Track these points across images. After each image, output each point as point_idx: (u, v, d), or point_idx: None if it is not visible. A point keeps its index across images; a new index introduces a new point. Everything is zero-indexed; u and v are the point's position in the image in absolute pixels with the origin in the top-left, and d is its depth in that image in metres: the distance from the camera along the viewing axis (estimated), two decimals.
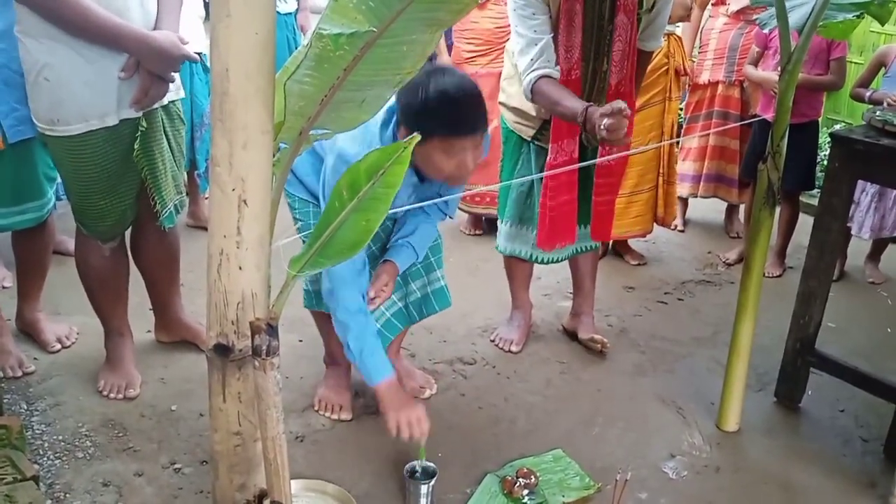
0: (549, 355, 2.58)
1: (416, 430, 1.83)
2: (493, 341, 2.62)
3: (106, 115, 1.88)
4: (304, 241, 1.13)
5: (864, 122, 2.05)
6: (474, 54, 3.33)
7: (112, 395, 2.18)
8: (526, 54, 2.08)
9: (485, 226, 3.63)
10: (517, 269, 2.60)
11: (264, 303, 0.96)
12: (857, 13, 2.01)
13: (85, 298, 2.22)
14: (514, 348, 2.57)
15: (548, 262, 2.51)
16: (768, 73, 3.06)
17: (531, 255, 2.47)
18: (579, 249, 2.52)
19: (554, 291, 3.03)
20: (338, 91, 0.94)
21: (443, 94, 1.64)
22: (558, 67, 2.09)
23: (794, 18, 1.92)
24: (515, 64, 2.17)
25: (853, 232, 3.18)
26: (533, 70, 2.07)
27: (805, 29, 1.81)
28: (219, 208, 0.92)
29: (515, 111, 2.34)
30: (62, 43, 1.79)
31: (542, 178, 2.26)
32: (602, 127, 1.83)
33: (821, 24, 2.01)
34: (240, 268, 0.93)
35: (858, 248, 3.36)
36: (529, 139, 2.34)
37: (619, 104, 1.81)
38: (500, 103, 2.43)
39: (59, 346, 2.39)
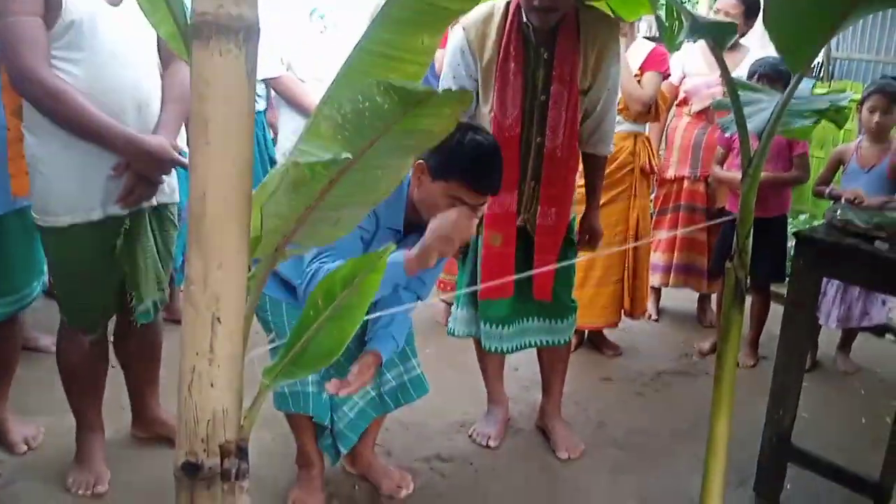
0: (527, 450, 2.55)
1: (467, 230, 1.69)
2: (470, 436, 2.59)
3: (91, 209, 1.94)
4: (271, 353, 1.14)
5: (825, 222, 2.12)
6: None
7: (80, 492, 2.14)
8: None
9: None
10: (488, 361, 2.60)
11: (235, 420, 0.96)
12: (815, 119, 2.11)
13: (53, 396, 2.18)
14: (491, 443, 2.54)
15: (493, 351, 2.45)
16: (733, 173, 3.18)
17: (482, 341, 2.45)
18: (539, 342, 2.50)
19: (531, 384, 3.01)
20: (313, 211, 0.97)
21: (480, 145, 1.75)
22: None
23: (754, 124, 2.01)
24: None
25: (821, 322, 3.23)
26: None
27: (763, 136, 1.89)
28: (192, 326, 0.92)
29: None
30: (56, 138, 1.88)
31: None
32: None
33: (779, 129, 2.12)
34: (212, 385, 0.93)
35: (830, 337, 3.40)
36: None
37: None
38: None
39: (25, 447, 2.33)
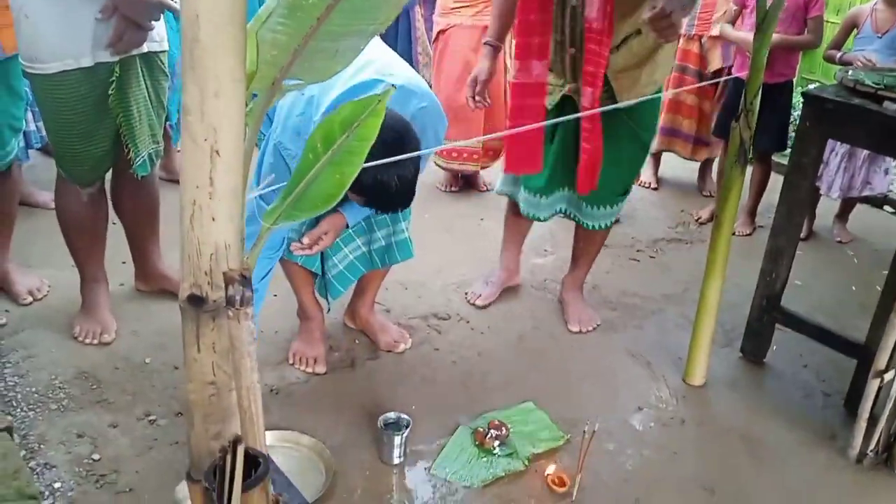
0: (522, 311, 2.61)
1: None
2: (466, 295, 2.64)
3: (81, 55, 1.88)
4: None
5: (836, 82, 2.07)
6: (460, 5, 3.27)
7: (87, 341, 2.20)
8: None
9: (461, 182, 3.62)
10: (517, 225, 2.60)
11: (238, 253, 0.96)
12: None
13: (56, 250, 2.20)
14: (478, 302, 2.59)
15: (532, 217, 2.43)
16: (745, 33, 3.05)
17: (521, 205, 2.43)
18: (571, 216, 2.45)
19: (528, 249, 3.04)
20: (311, 41, 0.93)
21: (382, 184, 1.65)
22: None
23: None
24: None
25: (822, 192, 3.23)
26: None
27: None
28: (191, 158, 0.91)
29: None
30: None
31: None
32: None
33: None
34: (213, 218, 0.92)
35: (827, 207, 3.41)
36: None
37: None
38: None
39: (30, 298, 2.37)
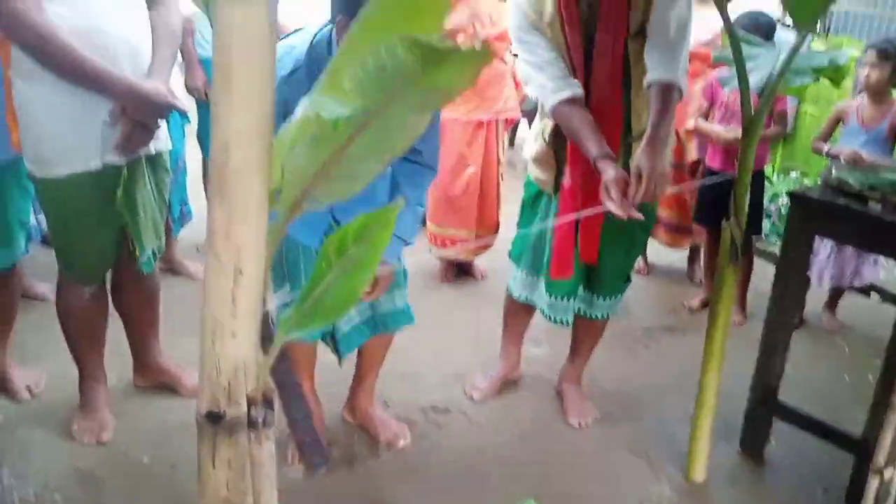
0: (520, 404, 2.61)
1: None
2: (464, 387, 2.64)
3: (89, 158, 1.92)
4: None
5: (820, 181, 2.15)
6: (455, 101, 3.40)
7: (85, 440, 2.17)
8: (539, 77, 2.04)
9: (456, 271, 3.66)
10: (518, 317, 2.60)
11: (255, 369, 0.98)
12: (814, 77, 2.12)
13: (55, 343, 2.20)
14: (475, 395, 2.59)
15: (556, 321, 2.40)
16: (716, 126, 3.22)
17: (543, 309, 2.41)
18: (587, 313, 2.44)
19: (526, 338, 3.07)
20: (331, 166, 0.98)
21: None
22: (577, 82, 2.03)
23: (752, 80, 2.02)
24: (532, 96, 2.14)
25: (813, 282, 3.29)
26: (550, 93, 2.02)
27: (765, 93, 1.90)
28: (214, 277, 0.94)
29: (535, 162, 2.29)
30: (49, 84, 1.82)
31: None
32: (607, 191, 1.87)
33: (781, 86, 2.13)
34: (233, 335, 0.95)
35: (816, 294, 3.46)
36: (552, 194, 2.27)
37: (637, 168, 1.84)
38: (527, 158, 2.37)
39: (27, 395, 2.36)
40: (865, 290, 3.63)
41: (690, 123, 3.47)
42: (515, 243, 2.48)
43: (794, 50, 1.77)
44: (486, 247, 3.48)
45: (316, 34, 1.82)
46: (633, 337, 3.19)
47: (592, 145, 1.96)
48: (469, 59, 0.86)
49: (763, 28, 2.92)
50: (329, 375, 2.35)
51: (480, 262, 3.66)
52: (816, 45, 5.30)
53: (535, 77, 2.06)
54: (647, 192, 1.82)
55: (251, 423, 0.88)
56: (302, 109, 0.98)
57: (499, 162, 3.45)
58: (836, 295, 3.42)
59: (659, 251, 3.99)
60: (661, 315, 3.45)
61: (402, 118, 0.95)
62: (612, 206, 1.87)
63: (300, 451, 1.86)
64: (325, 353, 2.22)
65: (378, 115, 0.93)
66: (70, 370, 2.29)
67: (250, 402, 0.89)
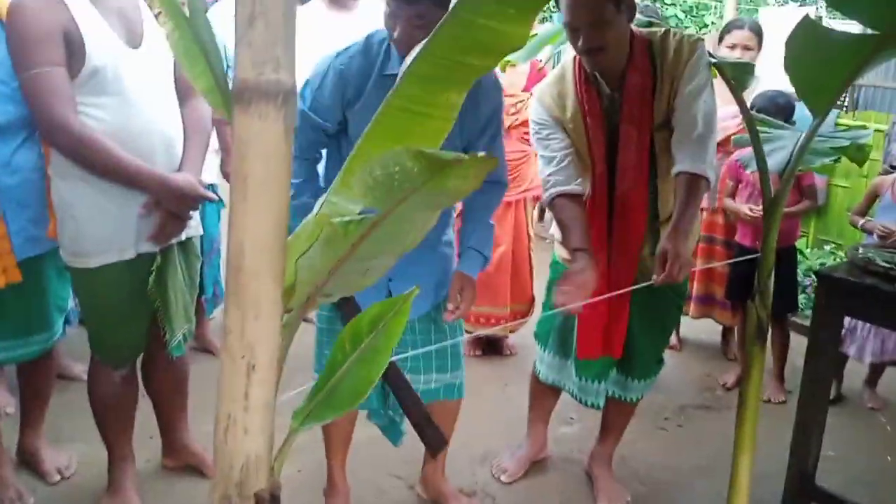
0: (549, 486, 2.56)
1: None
2: (492, 468, 2.61)
3: (124, 249, 1.99)
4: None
5: (847, 259, 2.13)
6: None
7: None
8: (547, 169, 2.12)
9: (484, 346, 3.66)
10: (545, 399, 2.59)
11: (267, 464, 0.99)
12: (835, 157, 2.13)
13: (87, 424, 2.23)
14: (503, 478, 2.55)
15: (587, 404, 2.38)
16: (741, 205, 3.25)
17: (573, 392, 2.40)
18: (621, 396, 2.41)
19: (554, 416, 3.01)
20: (344, 264, 1.01)
21: None
22: (580, 180, 2.10)
23: (774, 161, 2.03)
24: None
25: (852, 355, 3.20)
26: (550, 187, 2.10)
27: (784, 175, 1.91)
28: (229, 374, 0.96)
29: (561, 243, 2.29)
30: (87, 183, 1.91)
31: None
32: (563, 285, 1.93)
33: (800, 167, 2.14)
34: (245, 431, 0.97)
35: (856, 368, 3.37)
36: None
37: (663, 250, 1.88)
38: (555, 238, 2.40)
39: (58, 476, 2.39)
40: None
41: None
42: (541, 325, 2.48)
43: (811, 134, 1.78)
44: (523, 321, 3.49)
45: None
46: (665, 415, 3.13)
47: (575, 238, 2.04)
48: (473, 165, 0.90)
49: (782, 108, 2.95)
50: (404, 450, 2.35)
51: (510, 338, 3.65)
52: (843, 120, 5.31)
53: (544, 169, 2.14)
54: (669, 276, 1.83)
55: None
56: (316, 211, 1.03)
57: (529, 238, 3.49)
58: (877, 370, 3.33)
59: (692, 326, 3.94)
60: (694, 392, 3.38)
61: (411, 217, 0.99)
62: (562, 297, 1.91)
63: (419, 434, 1.90)
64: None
65: (388, 216, 0.97)
66: (101, 452, 2.31)
67: (258, 501, 0.90)
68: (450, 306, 1.99)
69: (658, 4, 12.30)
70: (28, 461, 2.44)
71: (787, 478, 2.23)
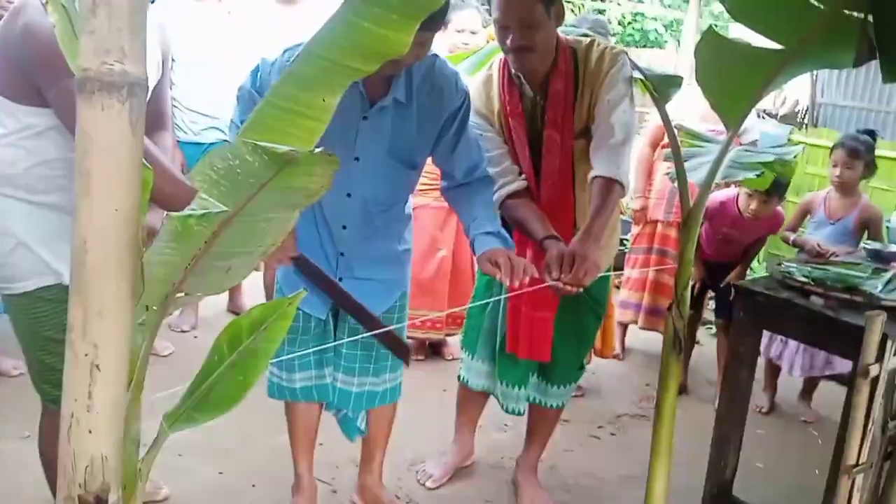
0: (474, 493, 2.54)
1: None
2: (417, 474, 2.58)
3: (63, 273, 1.74)
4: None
5: (768, 274, 2.14)
6: (426, 187, 3.43)
7: None
8: (490, 171, 2.08)
9: (428, 351, 3.64)
10: (472, 405, 2.58)
11: (115, 467, 0.97)
12: (759, 172, 2.14)
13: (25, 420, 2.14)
14: (429, 484, 2.54)
15: (509, 410, 2.39)
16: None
17: (500, 400, 2.40)
18: (530, 398, 2.41)
19: (488, 423, 3.00)
20: (201, 260, 0.99)
21: None
22: (523, 176, 2.10)
23: (699, 175, 2.03)
24: None
25: (784, 370, 3.24)
26: (498, 188, 2.08)
27: (701, 188, 1.91)
28: (71, 373, 0.94)
29: None
30: (20, 201, 1.72)
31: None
32: (548, 268, 1.87)
33: (725, 179, 2.15)
34: (90, 431, 0.94)
35: (793, 382, 3.40)
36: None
37: (571, 252, 1.85)
38: None
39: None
40: (843, 381, 3.56)
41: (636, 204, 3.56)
42: (469, 332, 2.48)
43: (725, 147, 1.79)
44: (459, 324, 3.46)
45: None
46: (600, 423, 3.13)
47: (538, 229, 2.03)
48: (316, 162, 0.88)
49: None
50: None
51: (453, 342, 3.63)
52: (797, 136, 5.38)
53: (488, 169, 2.10)
54: (574, 278, 1.83)
55: None
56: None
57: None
58: (810, 384, 3.36)
59: (637, 336, 3.96)
60: (632, 402, 3.39)
61: (266, 214, 0.97)
62: (552, 282, 1.87)
63: (390, 349, 2.02)
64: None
65: (241, 214, 0.94)
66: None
67: (103, 498, 0.87)
68: (504, 278, 1.81)
69: (610, 20, 12.41)
70: None
71: (705, 490, 2.24)
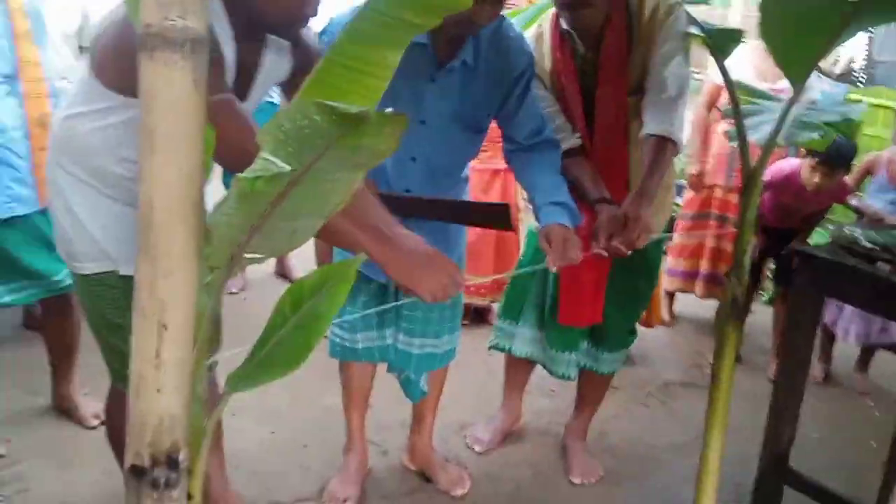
0: (522, 458, 2.54)
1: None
2: (465, 438, 2.59)
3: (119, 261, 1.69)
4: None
5: (830, 239, 2.07)
6: None
7: None
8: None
9: (471, 315, 3.63)
10: (519, 371, 2.57)
11: (183, 425, 0.97)
12: (822, 132, 2.05)
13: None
14: (477, 448, 2.54)
15: (559, 375, 2.35)
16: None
17: (545, 364, 2.38)
18: (592, 367, 2.38)
19: (534, 388, 2.99)
20: (266, 221, 0.98)
21: None
22: (577, 134, 2.06)
23: (759, 135, 1.96)
24: None
25: (839, 338, 3.16)
26: None
27: (764, 148, 1.84)
28: (139, 332, 0.94)
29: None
30: (88, 185, 1.65)
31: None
32: (596, 233, 1.83)
33: (787, 141, 2.07)
34: (158, 391, 0.94)
35: (848, 350, 3.32)
36: None
37: (623, 214, 1.81)
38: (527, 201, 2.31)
39: (96, 421, 2.42)
40: None
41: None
42: (511, 299, 2.45)
43: (789, 104, 1.71)
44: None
45: None
46: (649, 391, 3.11)
47: (591, 189, 2.00)
48: (385, 121, 0.86)
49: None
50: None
51: (497, 308, 3.61)
52: (855, 95, 5.18)
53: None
54: (626, 240, 1.78)
55: (153, 484, 0.87)
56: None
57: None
58: (866, 353, 3.28)
59: (687, 302, 3.89)
60: (682, 370, 3.35)
61: (332, 175, 0.95)
62: (597, 248, 1.84)
63: (487, 225, 2.06)
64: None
65: (307, 174, 0.93)
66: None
67: (154, 462, 0.88)
68: (550, 258, 1.77)
69: None
70: (64, 408, 2.50)
71: (761, 458, 2.20)
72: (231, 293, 3.63)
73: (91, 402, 2.49)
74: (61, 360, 2.47)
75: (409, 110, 1.79)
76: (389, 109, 0.85)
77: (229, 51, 1.49)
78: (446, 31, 1.71)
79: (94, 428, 2.42)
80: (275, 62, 1.61)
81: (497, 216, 1.94)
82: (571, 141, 2.04)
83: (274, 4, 1.45)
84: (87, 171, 1.62)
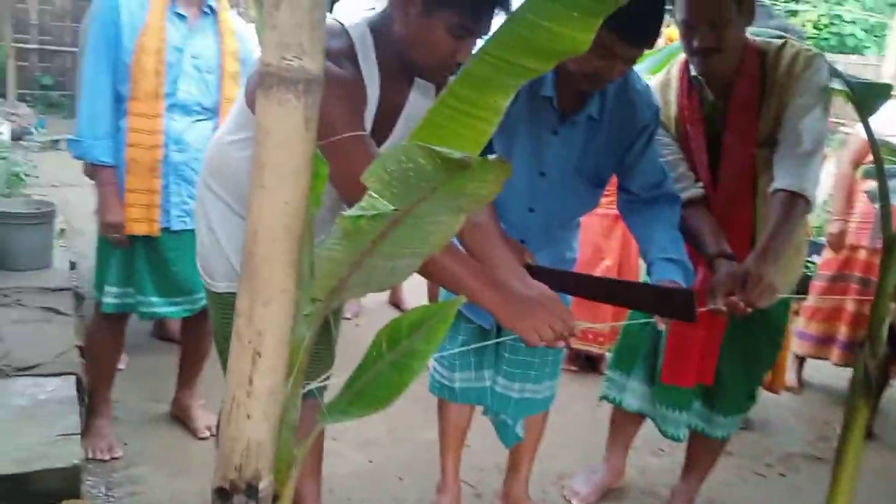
0: None
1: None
2: (563, 489, 2.51)
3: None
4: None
5: None
6: None
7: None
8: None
9: (582, 362, 3.54)
10: (626, 426, 2.48)
11: (269, 453, 0.99)
12: None
13: None
14: (574, 501, 2.44)
15: (667, 435, 2.24)
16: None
17: (658, 423, 2.27)
18: (704, 431, 2.25)
19: (643, 444, 2.86)
20: (367, 259, 0.99)
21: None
22: (700, 183, 1.97)
23: None
24: None
25: None
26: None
27: None
28: (236, 357, 0.97)
29: None
30: (230, 209, 1.70)
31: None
32: (713, 291, 1.73)
33: None
34: (248, 416, 0.97)
35: None
36: None
37: (744, 271, 1.70)
38: None
39: (208, 433, 2.55)
40: None
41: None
42: (623, 350, 2.37)
43: None
44: None
45: None
46: (767, 460, 2.89)
47: (711, 243, 1.88)
48: (488, 168, 0.85)
49: None
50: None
51: (609, 357, 3.50)
52: None
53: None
54: (746, 300, 1.67)
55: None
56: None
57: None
58: None
59: (820, 368, 3.62)
60: (806, 440, 3.10)
61: (434, 217, 0.95)
62: (712, 306, 1.73)
63: (672, 315, 1.67)
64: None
65: (409, 215, 0.93)
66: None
67: (232, 489, 0.89)
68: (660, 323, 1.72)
69: (804, 24, 11.46)
70: (180, 417, 2.63)
71: None
72: (346, 318, 3.71)
73: (206, 413, 2.61)
74: (188, 370, 2.60)
75: (530, 162, 1.79)
76: (494, 155, 0.84)
77: (374, 90, 1.52)
78: (574, 85, 1.69)
79: (204, 438, 2.53)
80: (420, 103, 1.63)
81: (678, 306, 1.62)
82: (693, 190, 1.95)
83: (425, 52, 1.47)
84: (231, 195, 1.68)
